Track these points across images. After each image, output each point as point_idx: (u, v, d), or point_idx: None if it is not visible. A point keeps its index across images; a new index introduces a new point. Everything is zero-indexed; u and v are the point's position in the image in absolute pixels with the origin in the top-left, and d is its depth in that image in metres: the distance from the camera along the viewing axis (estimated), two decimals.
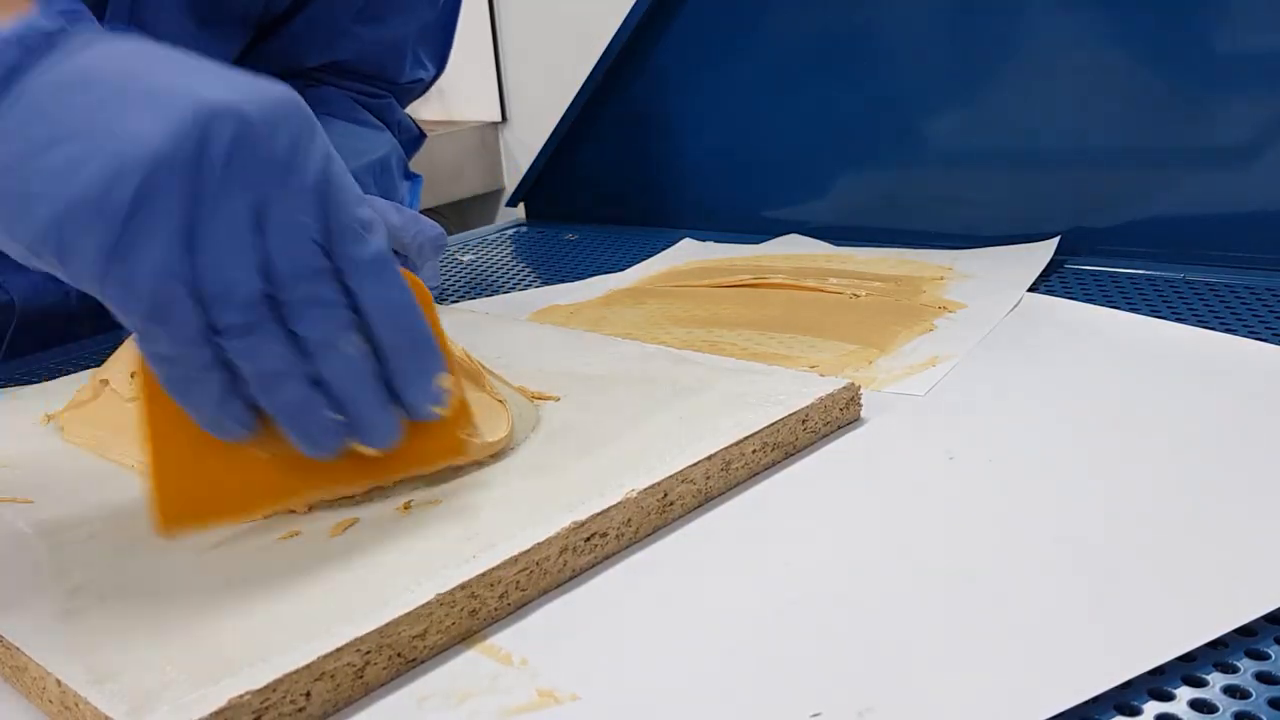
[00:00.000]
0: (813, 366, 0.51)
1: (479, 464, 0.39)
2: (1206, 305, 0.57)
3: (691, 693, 0.28)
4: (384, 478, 0.37)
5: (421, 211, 0.64)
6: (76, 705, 0.27)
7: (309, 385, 0.32)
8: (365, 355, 0.33)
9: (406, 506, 0.36)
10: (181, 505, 0.34)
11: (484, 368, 0.43)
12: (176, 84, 0.31)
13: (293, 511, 0.37)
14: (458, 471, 0.38)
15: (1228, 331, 0.52)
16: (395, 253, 0.60)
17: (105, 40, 0.32)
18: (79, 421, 0.46)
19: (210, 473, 0.34)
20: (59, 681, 0.28)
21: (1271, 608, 0.30)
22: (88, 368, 0.56)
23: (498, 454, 0.40)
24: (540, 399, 0.45)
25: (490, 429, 0.39)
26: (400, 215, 0.57)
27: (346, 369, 0.32)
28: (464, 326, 0.55)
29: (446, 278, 0.76)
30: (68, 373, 0.59)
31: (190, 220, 0.30)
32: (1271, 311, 0.55)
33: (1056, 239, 0.67)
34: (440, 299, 0.71)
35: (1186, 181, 0.65)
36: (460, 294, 0.72)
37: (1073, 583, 0.32)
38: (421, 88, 0.73)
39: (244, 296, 0.31)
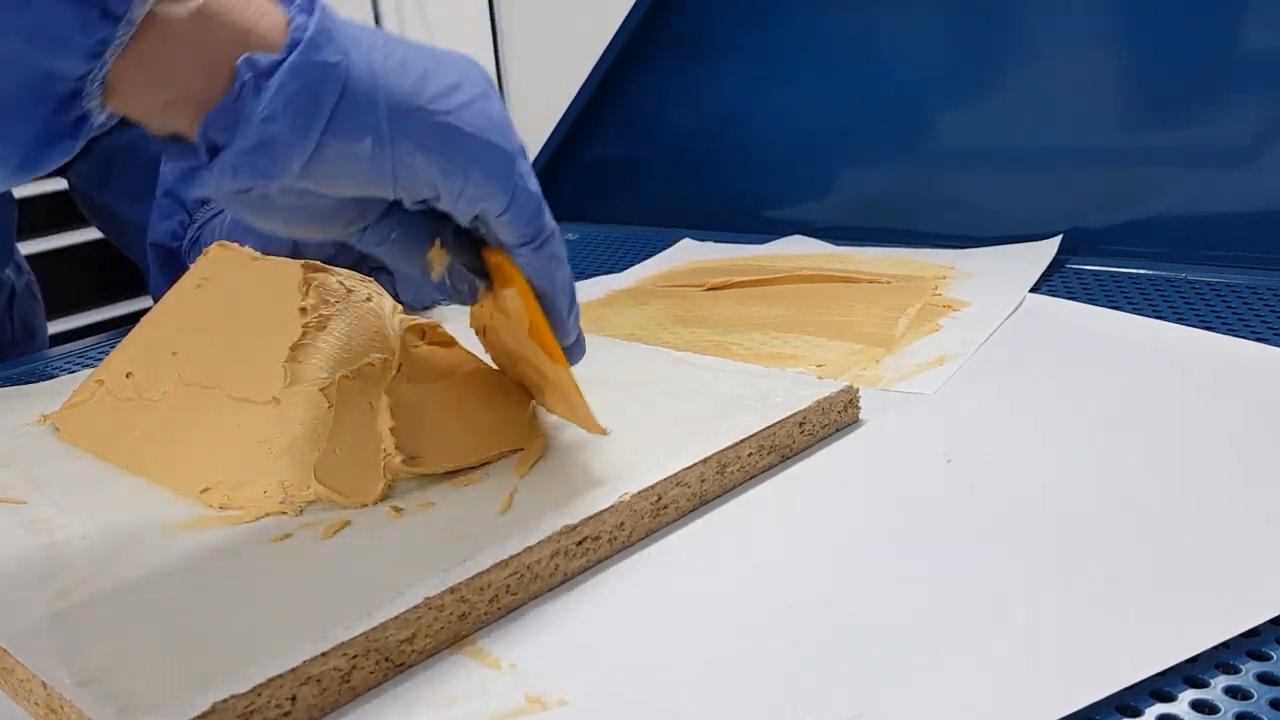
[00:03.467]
0: (819, 366, 0.51)
1: (472, 466, 0.39)
2: (1208, 305, 0.57)
3: (682, 699, 0.28)
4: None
5: None
6: (62, 708, 0.27)
7: None
8: None
9: (398, 510, 0.36)
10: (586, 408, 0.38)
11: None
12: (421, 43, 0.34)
13: (284, 513, 0.36)
14: (452, 474, 0.38)
15: (1229, 332, 0.52)
16: None
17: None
18: (74, 421, 0.46)
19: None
20: (44, 684, 0.28)
21: (1277, 612, 0.30)
22: (84, 368, 0.56)
23: (492, 458, 0.39)
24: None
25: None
26: None
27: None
28: (465, 328, 0.54)
29: None
30: (64, 373, 0.59)
31: None
32: (1273, 311, 0.55)
33: (1058, 238, 0.66)
34: (441, 299, 0.70)
35: (1186, 181, 0.64)
36: None
37: (1073, 585, 0.32)
38: None
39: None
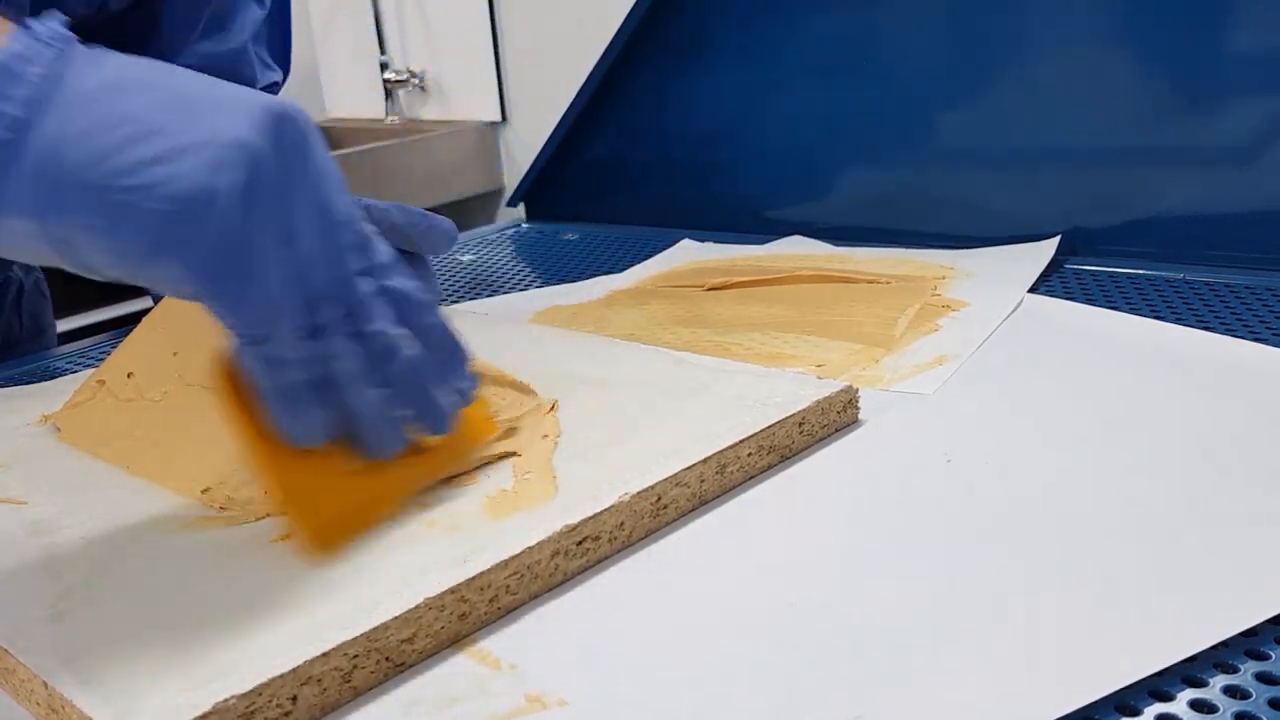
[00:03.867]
0: (819, 366, 0.51)
1: (473, 464, 0.39)
2: (1207, 305, 0.57)
3: (682, 699, 0.28)
4: (433, 475, 0.37)
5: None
6: (63, 708, 0.27)
7: (383, 383, 0.33)
8: (419, 346, 0.34)
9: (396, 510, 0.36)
10: (322, 526, 0.33)
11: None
12: (224, 89, 0.30)
13: (284, 514, 0.36)
14: (452, 472, 0.38)
15: (1228, 332, 0.52)
16: (402, 250, 0.60)
17: (102, 52, 0.30)
18: (75, 422, 0.46)
19: (327, 489, 0.34)
20: (45, 684, 0.28)
21: (1276, 611, 0.30)
22: (85, 369, 0.56)
23: (492, 459, 0.39)
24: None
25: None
26: (405, 214, 0.57)
27: (415, 360, 0.33)
28: (465, 328, 0.54)
29: (447, 278, 0.76)
30: (65, 373, 0.59)
31: (287, 215, 0.29)
32: (1272, 311, 0.55)
33: (1057, 238, 0.66)
34: (440, 300, 0.70)
35: (1186, 181, 0.64)
36: (460, 294, 0.71)
37: (1073, 585, 0.32)
38: (276, 91, 0.70)
39: (340, 292, 0.30)
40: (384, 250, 0.33)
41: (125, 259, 0.28)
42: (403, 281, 0.33)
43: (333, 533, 0.33)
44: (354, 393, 0.32)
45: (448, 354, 0.35)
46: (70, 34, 0.29)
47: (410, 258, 0.62)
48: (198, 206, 0.27)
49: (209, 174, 0.28)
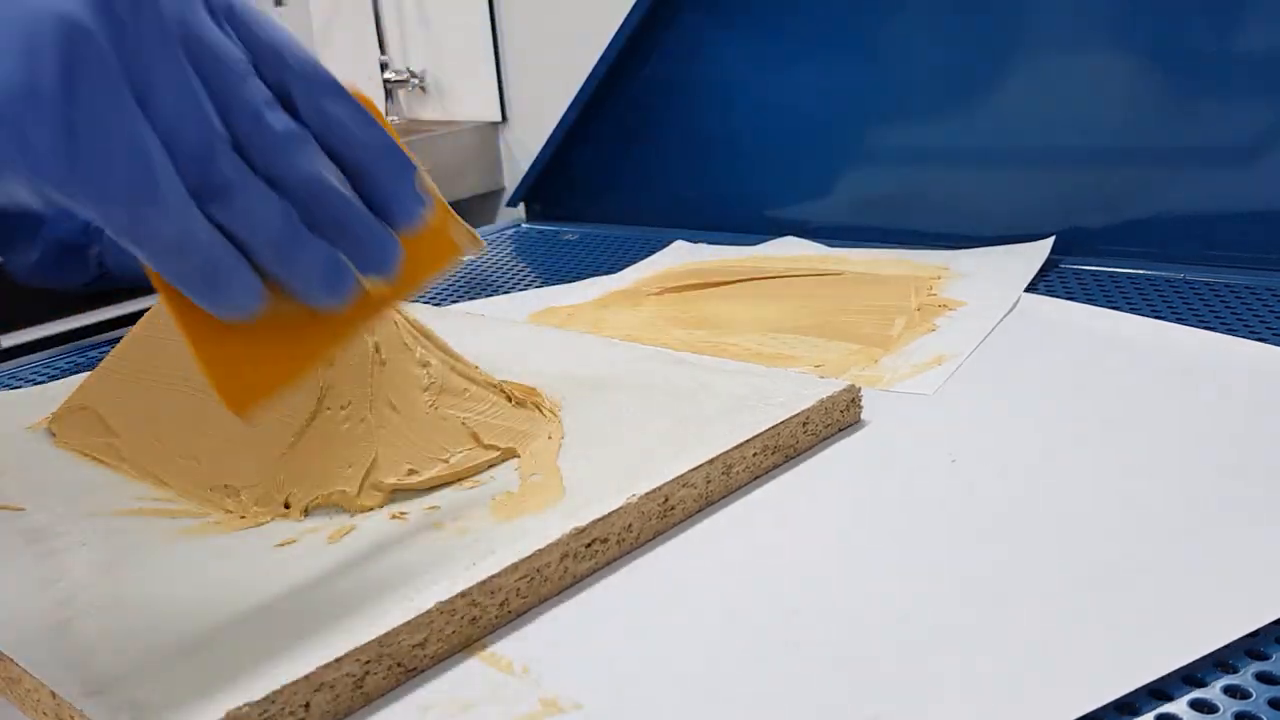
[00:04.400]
0: (818, 366, 0.51)
1: (477, 469, 0.39)
2: (1207, 305, 0.57)
3: (695, 701, 0.28)
4: (399, 297, 0.32)
5: None
6: (71, 718, 0.27)
7: (310, 233, 0.28)
8: (344, 180, 0.29)
9: (403, 514, 0.36)
10: (241, 387, 0.30)
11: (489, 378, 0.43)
12: None
13: (287, 519, 0.36)
14: (455, 479, 0.38)
15: (1228, 332, 0.52)
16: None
17: None
18: (71, 427, 0.46)
19: (251, 348, 0.30)
20: (53, 694, 0.28)
21: (1278, 614, 0.30)
22: (82, 370, 0.56)
23: (496, 461, 0.39)
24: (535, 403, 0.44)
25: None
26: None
27: (338, 200, 0.28)
28: (464, 329, 0.54)
29: (446, 278, 0.76)
30: (61, 376, 0.59)
31: (132, 80, 0.25)
32: (1272, 311, 0.55)
33: (1052, 238, 0.67)
34: (440, 300, 0.70)
35: (1186, 181, 0.65)
36: (460, 294, 0.71)
37: (1077, 587, 0.32)
38: None
39: (222, 149, 0.26)
40: (300, 59, 0.28)
41: None
42: (321, 97, 0.28)
43: (255, 392, 0.30)
44: (279, 253, 0.28)
45: (388, 174, 0.30)
46: None
47: None
48: (20, 109, 0.24)
49: (25, 67, 0.24)
